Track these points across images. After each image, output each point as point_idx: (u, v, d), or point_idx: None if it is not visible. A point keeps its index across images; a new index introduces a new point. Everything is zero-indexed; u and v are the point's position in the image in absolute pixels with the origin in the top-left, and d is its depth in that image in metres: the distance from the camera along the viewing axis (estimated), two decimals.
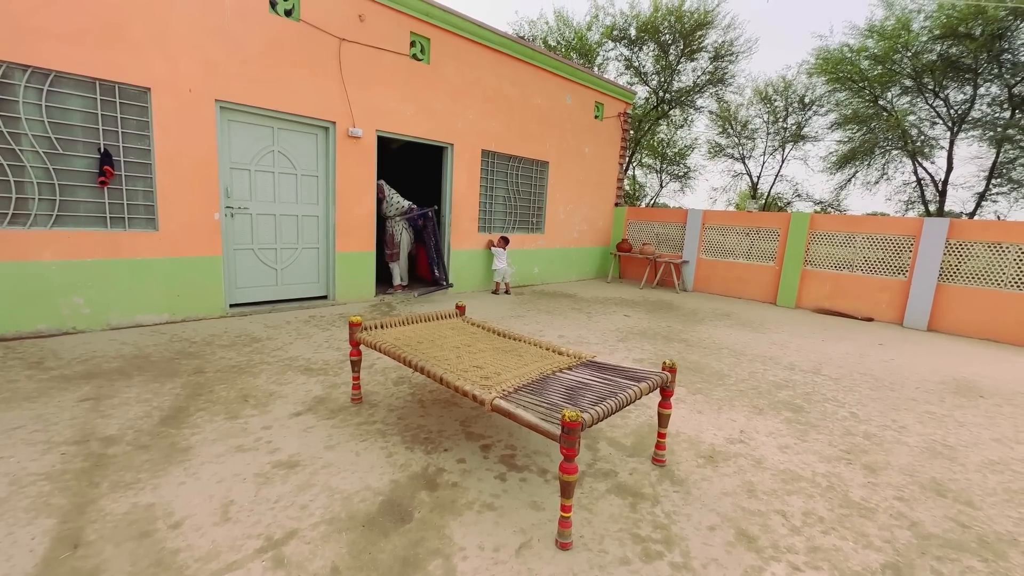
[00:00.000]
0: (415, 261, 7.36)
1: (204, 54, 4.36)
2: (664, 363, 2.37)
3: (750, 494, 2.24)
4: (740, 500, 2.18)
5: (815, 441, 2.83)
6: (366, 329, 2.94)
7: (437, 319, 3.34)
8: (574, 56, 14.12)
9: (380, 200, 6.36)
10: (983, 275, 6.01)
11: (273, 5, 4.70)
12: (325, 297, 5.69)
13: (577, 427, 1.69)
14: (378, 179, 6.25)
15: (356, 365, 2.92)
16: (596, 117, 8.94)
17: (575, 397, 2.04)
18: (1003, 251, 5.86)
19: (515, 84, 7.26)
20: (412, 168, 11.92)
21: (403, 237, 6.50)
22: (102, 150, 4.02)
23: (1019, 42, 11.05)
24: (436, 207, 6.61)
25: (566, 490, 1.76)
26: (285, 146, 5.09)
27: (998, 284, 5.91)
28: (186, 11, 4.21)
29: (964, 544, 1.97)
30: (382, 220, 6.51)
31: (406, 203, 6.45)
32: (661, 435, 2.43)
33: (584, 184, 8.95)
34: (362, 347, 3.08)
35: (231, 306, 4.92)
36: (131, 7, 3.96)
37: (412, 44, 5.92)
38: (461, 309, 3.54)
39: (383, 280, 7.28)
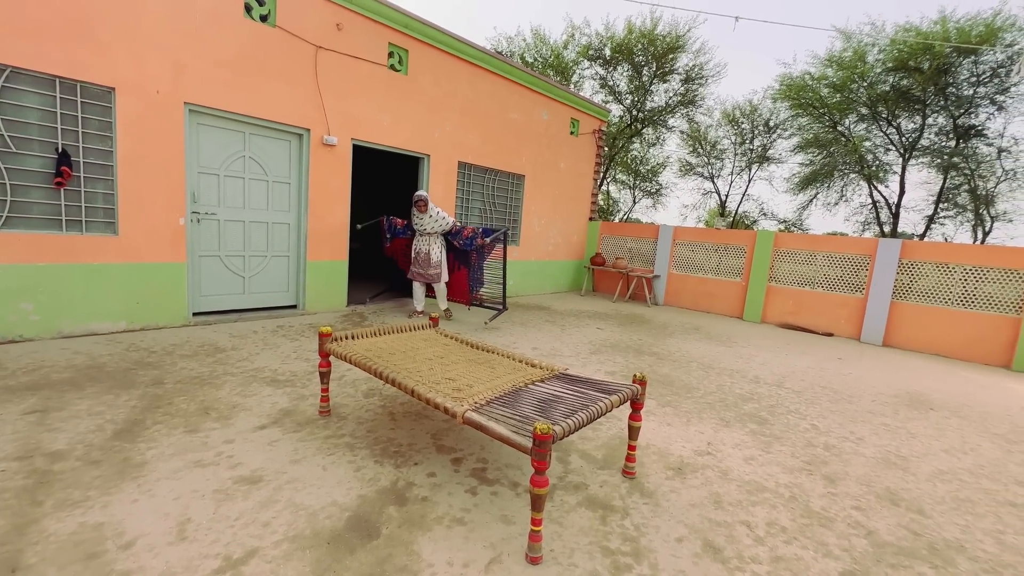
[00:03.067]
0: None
1: (173, 55, 4.25)
2: (635, 376, 2.40)
3: (717, 505, 2.28)
4: (707, 511, 2.22)
5: (778, 453, 2.91)
6: (336, 340, 2.88)
7: (409, 331, 3.31)
8: (551, 73, 14.42)
9: (414, 214, 5.63)
10: (932, 293, 6.36)
11: (248, 10, 4.64)
12: (295, 307, 5.56)
13: (548, 440, 1.70)
14: (418, 191, 5.64)
15: (325, 377, 2.85)
16: (572, 133, 9.11)
17: (547, 410, 2.05)
18: (950, 271, 6.22)
19: (492, 98, 7.34)
20: (385, 177, 11.87)
21: (443, 256, 5.72)
22: (60, 150, 3.86)
23: (962, 77, 11.89)
24: (507, 228, 5.86)
25: (536, 503, 1.76)
26: (257, 152, 4.99)
27: (946, 302, 6.26)
28: (155, 11, 4.11)
29: (916, 551, 2.05)
30: (395, 234, 5.94)
31: (451, 219, 5.72)
32: (631, 447, 2.46)
33: (559, 198, 9.08)
34: (332, 358, 3.02)
35: (194, 315, 4.75)
36: (97, 4, 3.84)
37: (390, 55, 5.93)
38: (434, 320, 3.51)
39: (361, 290, 7.15)
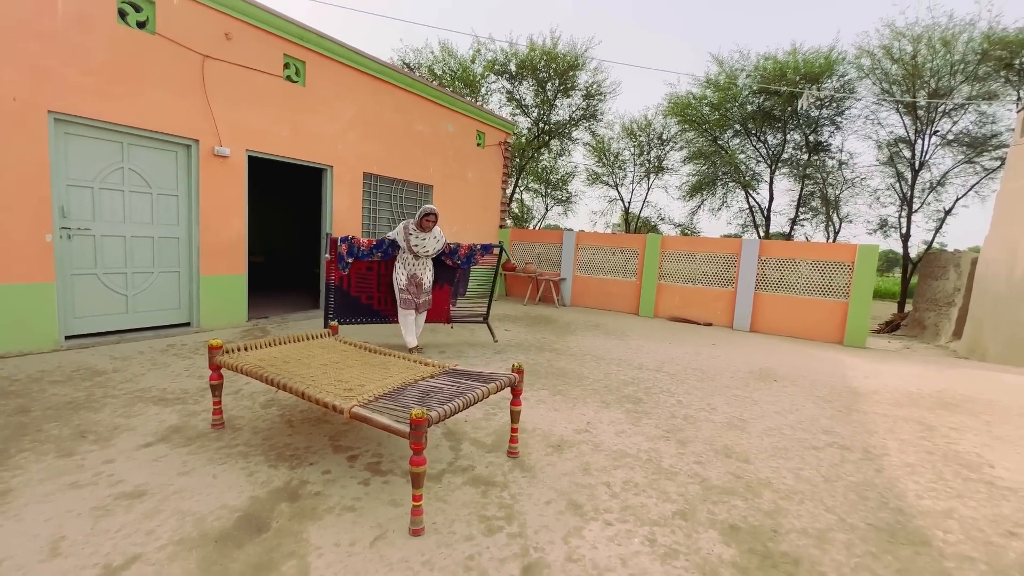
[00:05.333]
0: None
1: (33, 61, 3.95)
2: (513, 365, 2.72)
3: (585, 472, 2.64)
4: (576, 478, 2.57)
5: (645, 425, 3.38)
6: (228, 352, 2.90)
7: (307, 339, 3.38)
8: (459, 85, 14.76)
9: (412, 232, 4.73)
10: (785, 284, 7.48)
11: (123, 16, 4.42)
12: (188, 324, 5.29)
13: (423, 423, 1.93)
14: (428, 204, 4.99)
15: (217, 390, 2.86)
16: (478, 145, 9.48)
17: (428, 400, 2.28)
18: (797, 265, 7.38)
19: (396, 110, 7.48)
20: (295, 188, 11.49)
21: (430, 277, 5.01)
22: None
23: (810, 101, 13.98)
24: (500, 242, 5.59)
25: (416, 481, 1.98)
26: (138, 163, 4.73)
27: (794, 291, 7.41)
28: (10, 13, 3.81)
29: (735, 490, 2.55)
30: (362, 258, 4.84)
31: (445, 238, 5.05)
32: (514, 430, 2.76)
33: (468, 208, 9.38)
34: (226, 372, 3.01)
35: (67, 338, 4.38)
36: None
37: (286, 66, 5.88)
38: (334, 329, 3.61)
39: (265, 305, 6.86)
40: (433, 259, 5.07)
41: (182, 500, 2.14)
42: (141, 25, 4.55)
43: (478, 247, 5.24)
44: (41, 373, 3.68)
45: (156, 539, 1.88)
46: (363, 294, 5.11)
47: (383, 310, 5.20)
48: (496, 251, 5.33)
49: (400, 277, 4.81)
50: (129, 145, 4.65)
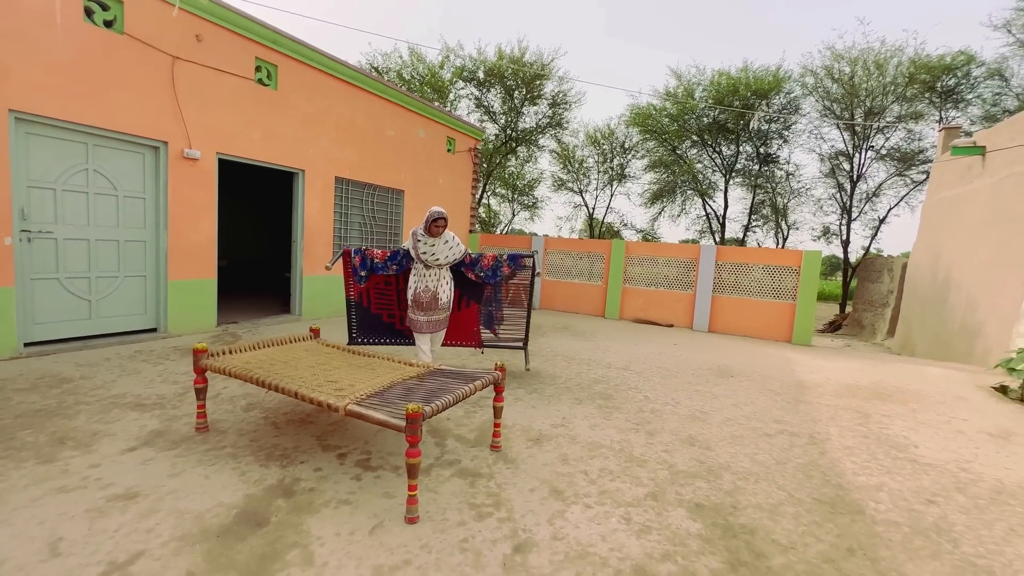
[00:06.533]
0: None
1: None
2: (496, 364, 2.89)
3: (564, 462, 2.84)
4: (556, 467, 2.77)
5: (616, 419, 3.62)
6: (213, 356, 2.93)
7: (290, 343, 3.43)
8: (428, 90, 14.83)
9: (421, 239, 4.07)
10: (740, 288, 7.99)
11: (89, 14, 4.31)
12: (155, 330, 5.16)
13: (419, 417, 2.08)
14: (435, 208, 4.03)
15: (201, 393, 2.88)
16: (449, 151, 9.61)
17: (417, 397, 2.42)
18: (750, 270, 7.91)
19: (368, 116, 7.52)
20: (268, 193, 11.25)
21: (452, 295, 4.30)
22: None
23: (760, 115, 14.89)
24: (534, 251, 4.73)
25: (411, 472, 2.12)
26: (103, 165, 4.61)
27: (748, 294, 7.92)
28: None
29: (699, 473, 2.81)
30: (378, 268, 4.23)
31: (463, 246, 4.35)
32: (496, 425, 2.93)
33: None
34: (208, 375, 3.02)
35: (26, 345, 4.21)
36: None
37: (258, 69, 5.84)
38: (315, 332, 3.67)
39: (234, 309, 6.71)
40: (455, 272, 4.40)
41: (177, 500, 2.19)
42: (108, 24, 4.46)
43: (504, 258, 4.43)
44: (2, 381, 3.55)
45: (157, 536, 1.93)
46: (384, 311, 4.56)
47: (405, 330, 4.53)
48: (528, 263, 4.53)
49: (408, 293, 4.23)
50: (94, 146, 4.52)
